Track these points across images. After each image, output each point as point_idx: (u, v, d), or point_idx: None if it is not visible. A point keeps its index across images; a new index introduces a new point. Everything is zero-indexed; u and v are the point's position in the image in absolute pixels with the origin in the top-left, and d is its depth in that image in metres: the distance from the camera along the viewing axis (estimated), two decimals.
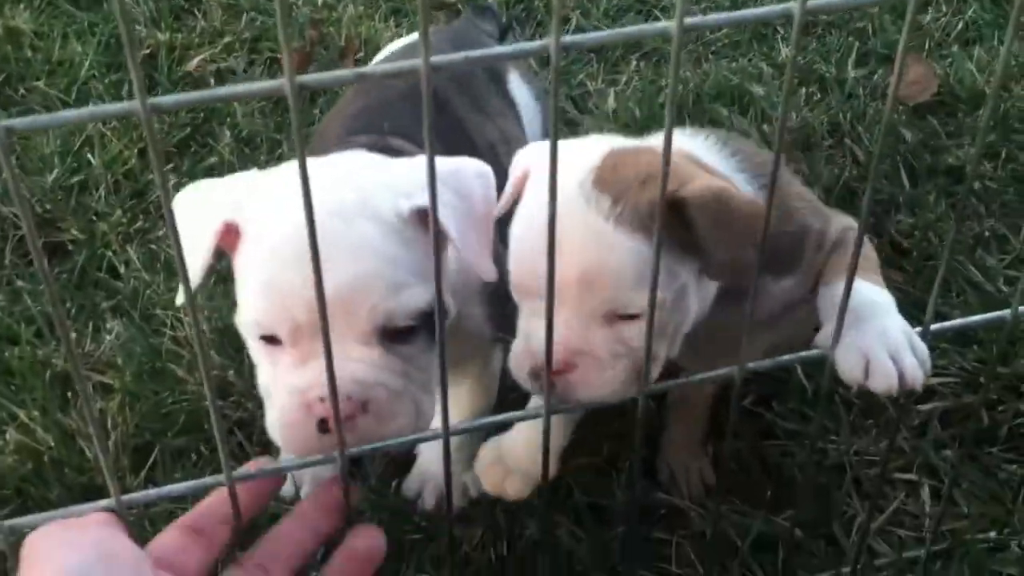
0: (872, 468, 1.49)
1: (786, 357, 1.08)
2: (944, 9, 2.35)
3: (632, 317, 1.02)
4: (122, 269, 1.80)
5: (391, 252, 0.99)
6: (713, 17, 0.72)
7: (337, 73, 0.68)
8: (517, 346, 1.06)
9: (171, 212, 0.72)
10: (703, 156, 1.14)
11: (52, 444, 1.50)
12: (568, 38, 0.68)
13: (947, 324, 1.15)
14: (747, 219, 0.99)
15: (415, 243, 1.01)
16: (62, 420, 1.54)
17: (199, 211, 1.03)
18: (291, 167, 1.02)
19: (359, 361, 0.98)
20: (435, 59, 0.66)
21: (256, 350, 1.04)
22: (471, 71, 1.46)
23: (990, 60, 2.18)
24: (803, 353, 1.11)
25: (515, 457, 1.20)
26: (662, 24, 0.69)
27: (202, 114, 2.09)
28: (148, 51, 2.25)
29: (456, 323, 1.11)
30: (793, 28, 0.70)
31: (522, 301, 1.07)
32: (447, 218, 0.99)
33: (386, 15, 2.37)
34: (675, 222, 0.98)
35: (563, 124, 2.12)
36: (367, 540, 0.95)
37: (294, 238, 0.92)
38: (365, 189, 1.01)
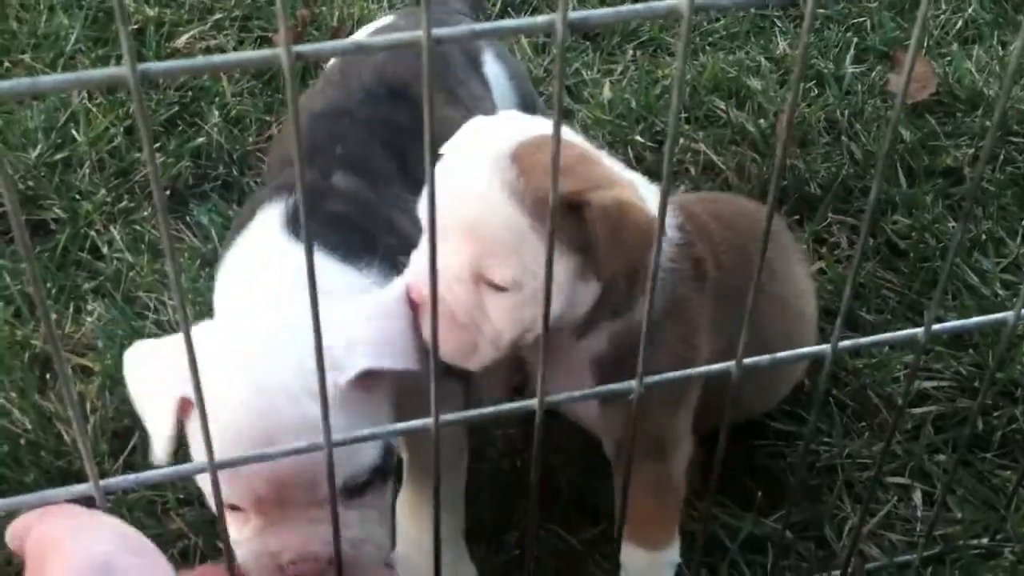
0: (865, 471, 1.46)
1: (784, 354, 1.06)
2: (943, 7, 2.32)
3: (498, 289, 1.04)
4: (105, 250, 1.76)
5: (339, 424, 0.97)
6: None
7: (334, 43, 0.65)
8: (409, 272, 1.09)
9: (160, 187, 0.69)
10: (653, 195, 1.13)
11: (29, 427, 1.46)
12: (575, 14, 0.65)
13: (946, 325, 1.13)
14: (640, 233, 1.02)
15: (360, 403, 1.04)
16: (40, 402, 1.51)
17: (151, 381, 1.06)
18: (232, 329, 1.07)
19: (322, 522, 1.00)
20: (438, 31, 0.62)
21: None
22: (448, 59, 1.43)
23: (989, 60, 2.16)
24: (801, 350, 1.09)
25: None
26: (671, 2, 0.66)
27: (190, 92, 2.05)
28: (136, 26, 2.21)
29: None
30: (807, 6, 0.67)
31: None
32: (384, 358, 1.04)
33: None
34: (571, 220, 1.01)
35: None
36: None
37: (245, 415, 0.98)
38: (304, 366, 0.99)
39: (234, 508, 1.02)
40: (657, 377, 0.98)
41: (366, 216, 1.22)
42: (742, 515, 1.41)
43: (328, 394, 0.97)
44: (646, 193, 1.11)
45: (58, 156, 1.92)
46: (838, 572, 1.32)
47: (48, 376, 1.54)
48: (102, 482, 0.85)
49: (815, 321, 1.40)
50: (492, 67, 1.52)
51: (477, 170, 1.04)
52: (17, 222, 0.68)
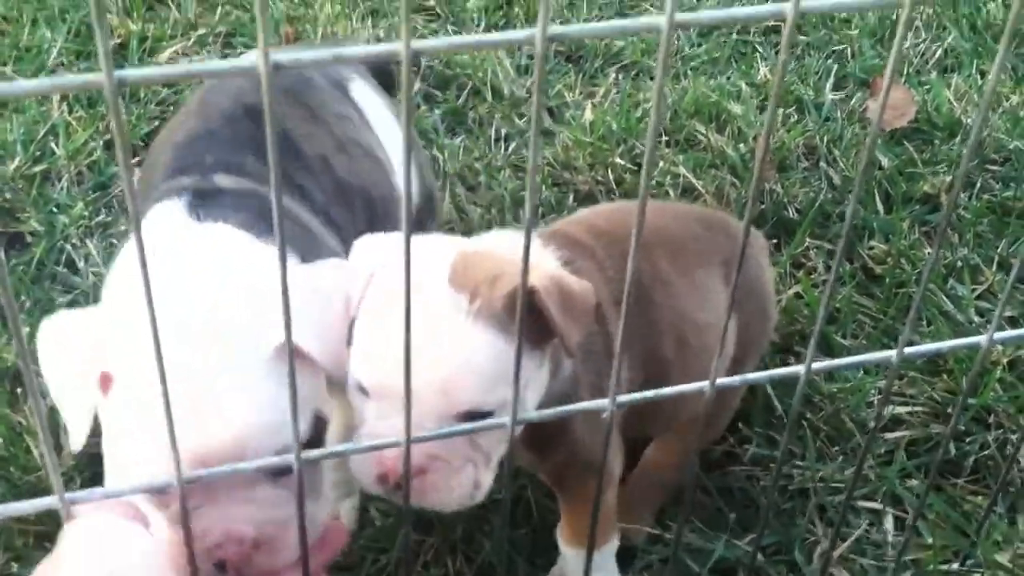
0: (837, 495, 1.47)
1: (756, 375, 1.06)
2: (923, 35, 2.35)
3: (485, 415, 1.01)
4: (81, 264, 1.75)
5: (262, 399, 0.99)
6: (705, 14, 0.69)
7: (314, 52, 0.64)
8: (366, 433, 1.04)
9: (135, 198, 0.68)
10: (540, 259, 1.15)
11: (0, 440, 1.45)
12: (556, 28, 0.65)
13: (920, 348, 1.13)
14: (582, 300, 1.03)
15: (284, 375, 1.00)
16: (10, 416, 1.49)
17: (69, 357, 1.03)
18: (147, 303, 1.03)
19: (248, 503, 0.99)
20: (416, 44, 0.63)
21: None
22: (308, 83, 1.42)
23: (968, 88, 2.18)
24: (775, 371, 1.09)
25: None
26: (651, 19, 0.66)
27: (171, 107, 2.05)
28: (119, 40, 2.21)
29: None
30: (785, 26, 0.67)
31: (367, 402, 1.05)
32: (307, 338, 1.00)
33: (364, 15, 2.34)
34: (528, 315, 1.00)
35: (540, 135, 2.09)
36: (333, 532, 1.02)
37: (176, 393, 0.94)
38: (227, 341, 1.00)
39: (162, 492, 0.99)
40: (627, 397, 0.99)
41: (257, 203, 1.21)
42: (714, 537, 1.41)
43: (251, 368, 0.99)
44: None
45: (36, 168, 1.91)
46: None
47: (19, 390, 1.53)
48: (67, 495, 0.85)
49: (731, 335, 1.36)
50: (364, 95, 1.50)
51: (428, 315, 0.99)
52: None
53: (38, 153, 1.94)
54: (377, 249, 1.10)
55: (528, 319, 0.99)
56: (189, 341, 0.99)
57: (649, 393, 1.04)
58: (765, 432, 1.53)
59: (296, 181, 1.30)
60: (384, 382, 1.01)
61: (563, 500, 1.27)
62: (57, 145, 1.95)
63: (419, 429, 0.97)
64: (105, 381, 1.02)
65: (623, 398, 1.00)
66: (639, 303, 1.23)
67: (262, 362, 1.00)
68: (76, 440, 1.02)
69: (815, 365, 1.04)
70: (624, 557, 1.39)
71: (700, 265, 1.35)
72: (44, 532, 1.36)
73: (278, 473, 1.00)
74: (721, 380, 1.03)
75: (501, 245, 1.11)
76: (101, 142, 1.97)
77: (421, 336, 0.94)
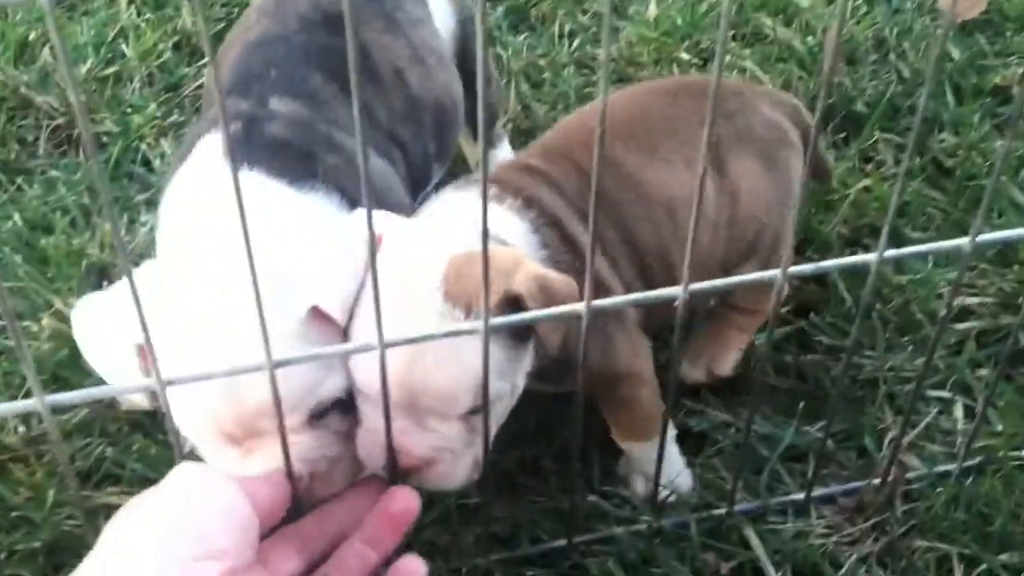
0: (906, 384, 1.48)
1: (828, 263, 1.08)
2: None
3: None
4: (156, 162, 1.79)
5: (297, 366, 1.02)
6: None
7: None
8: (367, 439, 1.08)
9: (222, 89, 0.70)
10: (503, 227, 1.15)
11: None
12: None
13: (992, 236, 1.14)
14: (567, 300, 1.02)
15: (319, 337, 1.04)
16: None
17: (104, 335, 1.06)
18: (184, 264, 1.07)
19: (297, 444, 1.04)
20: None
21: None
22: None
23: None
24: (846, 259, 1.10)
25: None
26: None
27: (236, 9, 2.06)
28: None
29: None
30: None
31: (365, 400, 1.07)
32: (334, 305, 1.04)
33: None
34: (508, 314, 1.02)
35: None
36: (402, 501, 1.03)
37: (208, 352, 1.00)
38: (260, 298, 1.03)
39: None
40: (700, 285, 1.02)
41: (306, 137, 1.21)
42: (784, 424, 1.43)
43: (288, 331, 1.01)
44: (507, 231, 1.15)
45: (108, 71, 1.94)
46: (878, 481, 1.35)
47: (104, 284, 1.57)
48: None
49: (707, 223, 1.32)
50: None
51: (427, 326, 1.00)
52: (86, 130, 0.71)
53: (109, 55, 1.96)
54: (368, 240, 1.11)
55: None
56: (222, 317, 1.01)
57: (719, 281, 1.06)
58: (838, 323, 1.54)
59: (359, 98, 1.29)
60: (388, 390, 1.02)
61: (603, 408, 1.31)
62: (127, 47, 1.97)
63: (423, 428, 1.05)
64: (143, 352, 1.05)
65: (696, 286, 1.02)
66: (608, 209, 1.22)
67: (293, 332, 1.02)
68: (127, 403, 1.06)
69: (887, 253, 1.06)
70: (694, 443, 1.42)
71: (668, 139, 1.31)
72: (135, 419, 1.42)
73: (320, 417, 1.06)
74: (794, 268, 1.04)
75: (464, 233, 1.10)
76: (170, 43, 1.99)
77: (419, 347, 0.99)
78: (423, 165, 1.42)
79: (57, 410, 0.93)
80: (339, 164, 1.20)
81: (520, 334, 1.07)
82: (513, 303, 1.02)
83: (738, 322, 1.48)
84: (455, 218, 1.16)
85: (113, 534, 0.87)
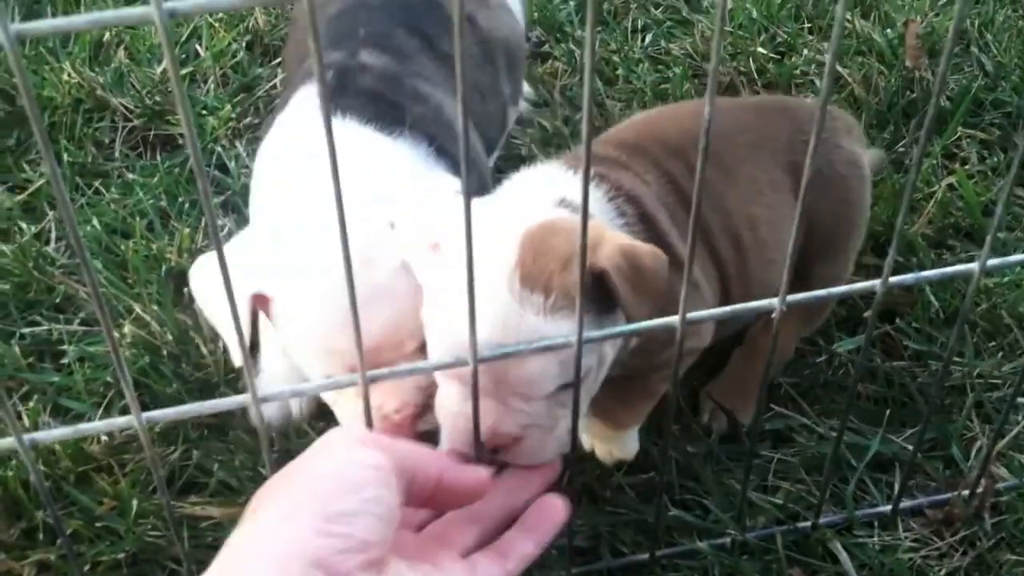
0: (995, 391, 1.45)
1: (929, 273, 1.05)
2: None
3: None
4: (231, 164, 1.79)
5: (403, 308, 1.10)
6: None
7: None
8: (449, 420, 1.07)
9: (324, 79, 0.70)
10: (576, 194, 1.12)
11: (169, 339, 1.51)
12: None
13: None
14: (653, 272, 1.01)
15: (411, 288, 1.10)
16: (177, 315, 1.55)
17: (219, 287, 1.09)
18: (302, 210, 1.13)
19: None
20: None
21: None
22: None
23: None
24: (948, 269, 1.07)
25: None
26: None
27: None
28: None
29: None
30: None
31: (452, 384, 1.06)
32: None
33: None
34: (597, 291, 0.99)
35: (679, 24, 2.05)
36: (550, 511, 1.00)
37: (337, 303, 0.99)
38: (371, 234, 1.09)
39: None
40: (796, 297, 1.00)
41: (394, 89, 1.27)
42: (871, 432, 1.40)
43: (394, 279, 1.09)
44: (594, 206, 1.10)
45: (183, 71, 1.94)
46: (967, 492, 1.32)
47: (185, 290, 1.58)
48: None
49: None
50: None
51: (506, 318, 1.00)
52: (187, 125, 0.70)
53: (183, 56, 1.97)
54: (431, 225, 1.09)
55: (599, 295, 1.01)
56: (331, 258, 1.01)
57: (821, 292, 1.04)
58: (924, 328, 1.51)
59: (440, 49, 1.34)
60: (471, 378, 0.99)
61: (620, 387, 1.24)
62: (201, 47, 1.98)
63: (508, 408, 1.04)
64: (261, 302, 1.11)
65: (792, 297, 1.00)
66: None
67: (395, 274, 1.08)
68: (237, 357, 1.09)
69: (989, 262, 1.03)
70: (780, 444, 1.40)
71: (750, 158, 1.30)
72: (216, 424, 1.42)
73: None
74: (894, 278, 1.02)
75: (562, 212, 1.09)
76: (243, 43, 1.99)
77: (500, 331, 0.98)
78: (500, 112, 1.48)
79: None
80: (426, 114, 1.27)
81: (606, 303, 1.03)
82: (598, 279, 0.99)
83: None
84: (529, 192, 1.15)
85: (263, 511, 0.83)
